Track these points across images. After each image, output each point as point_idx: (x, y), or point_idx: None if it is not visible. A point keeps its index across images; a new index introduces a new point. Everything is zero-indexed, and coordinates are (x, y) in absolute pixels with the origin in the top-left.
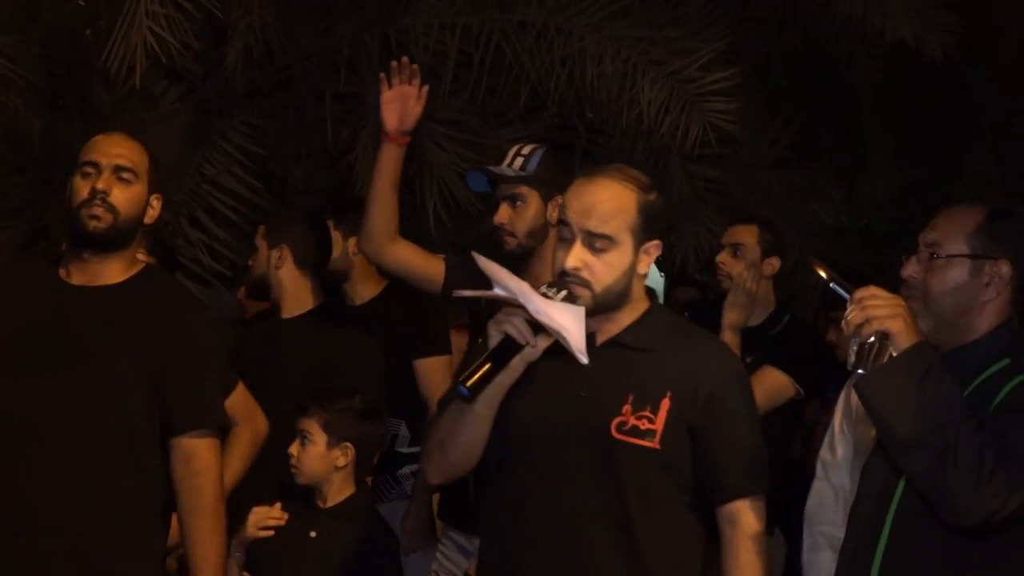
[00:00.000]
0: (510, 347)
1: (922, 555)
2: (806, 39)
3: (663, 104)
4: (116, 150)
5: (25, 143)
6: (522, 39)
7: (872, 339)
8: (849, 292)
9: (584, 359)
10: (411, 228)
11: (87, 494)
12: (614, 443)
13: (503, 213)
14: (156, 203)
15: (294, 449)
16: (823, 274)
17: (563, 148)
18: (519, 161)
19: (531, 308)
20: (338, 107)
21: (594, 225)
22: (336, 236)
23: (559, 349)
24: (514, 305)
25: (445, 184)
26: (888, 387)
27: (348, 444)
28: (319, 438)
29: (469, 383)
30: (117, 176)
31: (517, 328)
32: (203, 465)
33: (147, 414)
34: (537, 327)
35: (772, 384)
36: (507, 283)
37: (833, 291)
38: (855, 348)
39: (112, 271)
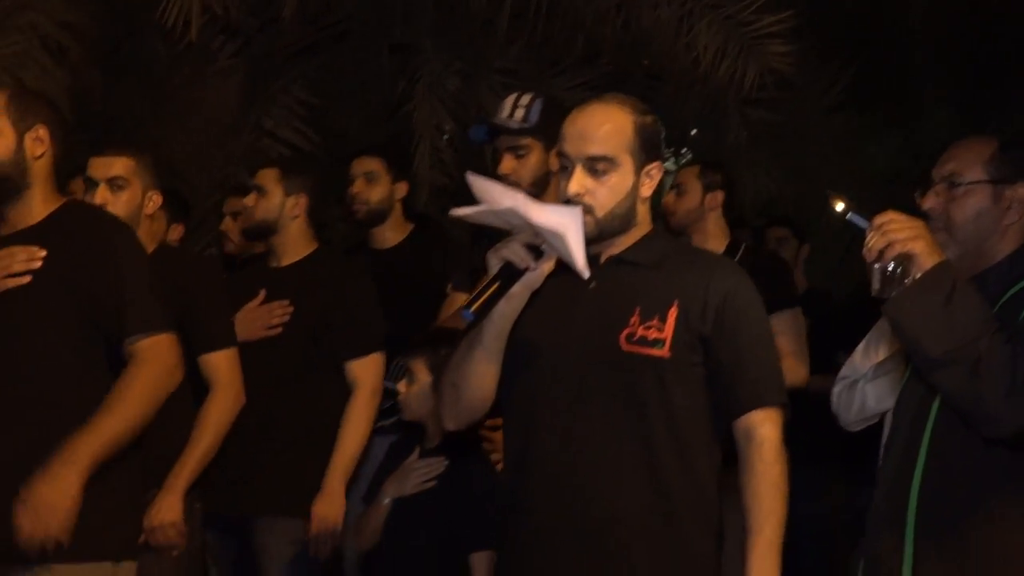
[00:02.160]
0: (511, 272)
1: (959, 475)
2: None
3: (719, 48)
4: None
5: (86, 101)
6: None
7: (894, 264)
8: (867, 221)
9: (585, 271)
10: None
11: (30, 416)
12: (624, 355)
13: (507, 164)
14: (41, 132)
15: (401, 387)
16: (840, 205)
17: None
18: (520, 112)
19: (527, 214)
20: (394, 59)
21: (592, 149)
22: (386, 178)
23: (562, 276)
24: (510, 220)
25: None
26: (916, 307)
27: None
28: (424, 377)
29: (473, 308)
30: None
31: (516, 253)
32: (140, 359)
33: (80, 338)
34: (536, 251)
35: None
36: (500, 196)
37: (851, 222)
38: (878, 274)
39: (29, 213)
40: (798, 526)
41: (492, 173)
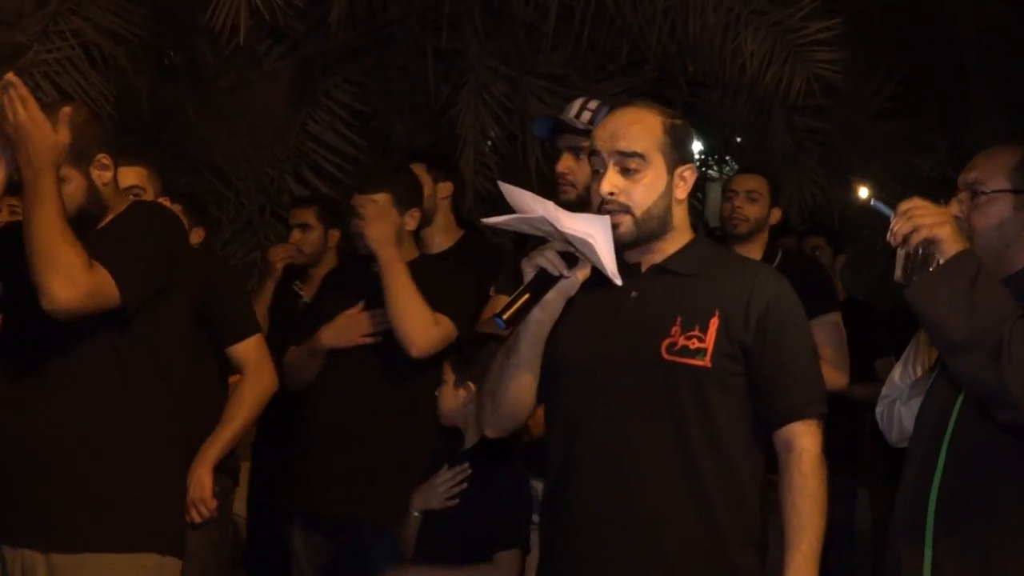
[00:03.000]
0: (545, 279)
1: (978, 477)
2: None
3: (766, 55)
4: None
5: (134, 104)
6: None
7: (918, 249)
8: (892, 207)
9: (616, 278)
10: (513, 183)
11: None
12: (665, 365)
13: (566, 162)
14: (103, 159)
15: (437, 391)
16: (864, 191)
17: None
18: (587, 115)
19: (556, 223)
20: (440, 64)
21: (623, 145)
22: (427, 179)
23: (603, 286)
24: (541, 227)
25: None
26: (939, 291)
27: (471, 383)
28: (449, 377)
29: (506, 315)
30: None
31: (549, 260)
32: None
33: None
34: (571, 259)
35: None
36: (531, 205)
37: (875, 208)
38: (902, 260)
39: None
40: (828, 532)
41: (545, 171)
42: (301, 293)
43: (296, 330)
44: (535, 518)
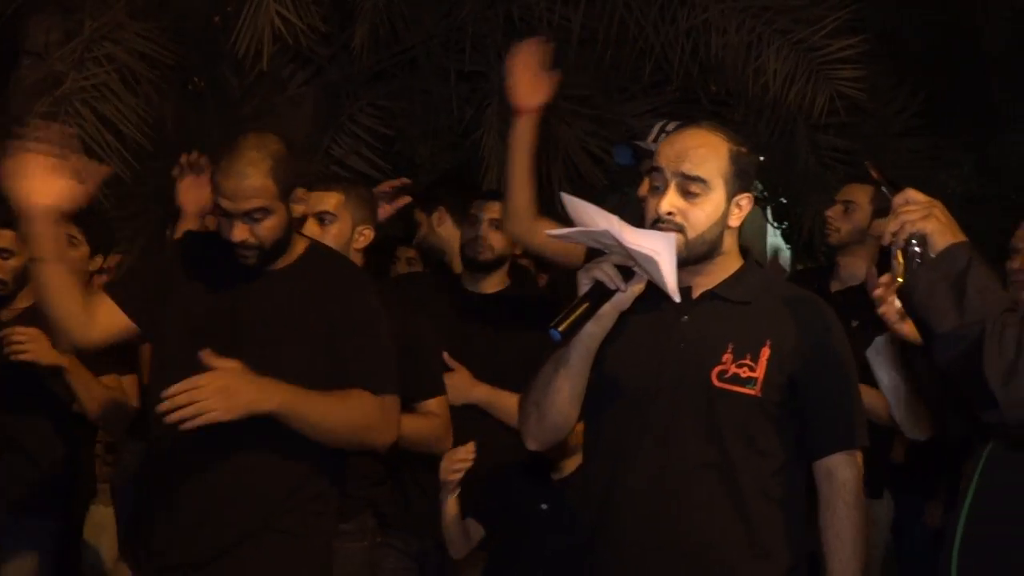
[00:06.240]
0: (601, 292)
1: (1000, 518)
2: (935, 4)
3: (789, 73)
4: (243, 193)
5: (159, 130)
6: (646, 12)
7: (909, 246)
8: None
9: (676, 295)
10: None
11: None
12: (715, 392)
13: (647, 186)
14: (301, 195)
15: None
16: (874, 175)
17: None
18: (664, 138)
19: (621, 238)
20: (463, 86)
21: (688, 168)
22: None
23: (652, 303)
24: (603, 241)
25: (570, 159)
26: (926, 285)
27: None
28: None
29: (561, 327)
30: (250, 218)
31: (607, 273)
32: None
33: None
34: (627, 272)
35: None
36: (595, 218)
37: (884, 194)
38: (895, 259)
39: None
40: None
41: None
42: None
43: None
44: None
